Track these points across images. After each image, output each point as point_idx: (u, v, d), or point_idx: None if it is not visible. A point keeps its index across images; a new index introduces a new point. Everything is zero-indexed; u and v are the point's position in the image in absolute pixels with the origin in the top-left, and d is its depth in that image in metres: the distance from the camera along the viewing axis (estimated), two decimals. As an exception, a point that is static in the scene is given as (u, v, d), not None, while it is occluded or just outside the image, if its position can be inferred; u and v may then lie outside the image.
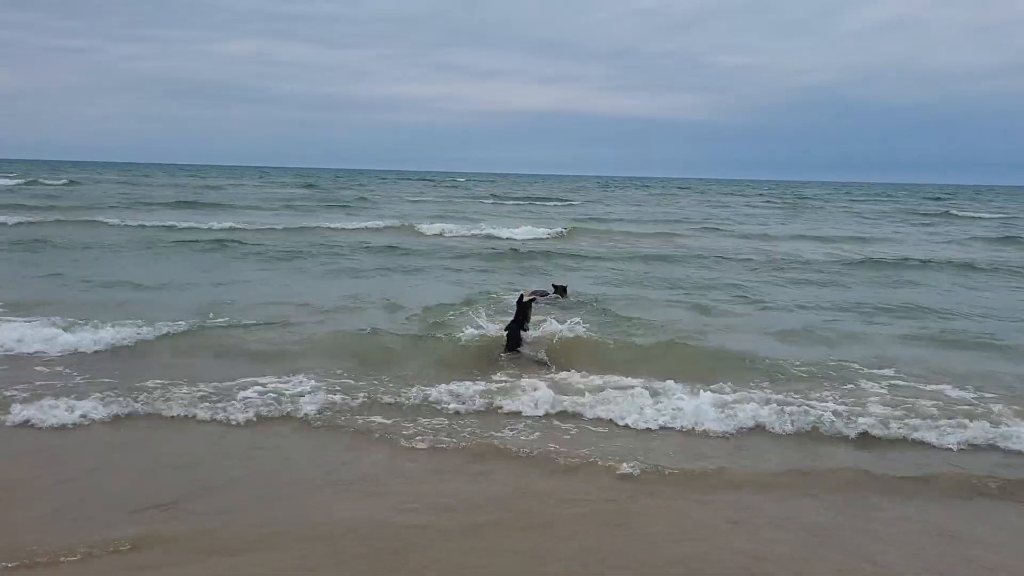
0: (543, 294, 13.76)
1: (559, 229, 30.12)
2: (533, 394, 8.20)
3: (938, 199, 77.48)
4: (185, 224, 27.12)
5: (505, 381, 8.87)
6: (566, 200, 57.70)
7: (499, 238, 27.31)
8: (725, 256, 22.77)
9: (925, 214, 51.60)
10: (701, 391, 8.33)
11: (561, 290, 14.35)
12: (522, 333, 10.24)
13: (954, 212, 53.76)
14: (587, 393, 8.34)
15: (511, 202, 53.98)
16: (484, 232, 28.57)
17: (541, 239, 27.43)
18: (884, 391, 8.83)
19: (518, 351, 10.09)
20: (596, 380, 8.94)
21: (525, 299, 10.58)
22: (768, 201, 63.96)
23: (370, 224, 29.87)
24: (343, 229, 28.18)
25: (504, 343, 10.15)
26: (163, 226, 26.45)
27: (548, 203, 53.50)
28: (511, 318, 10.43)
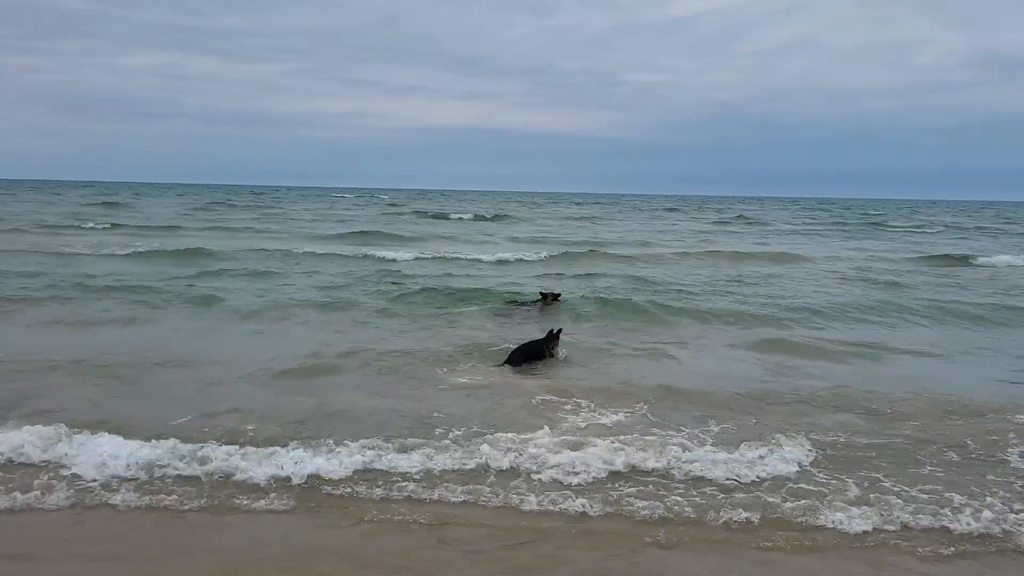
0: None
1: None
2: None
3: (866, 213, 79.59)
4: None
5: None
6: (508, 217, 55.82)
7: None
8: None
9: (866, 225, 54.24)
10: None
11: (553, 297, 14.66)
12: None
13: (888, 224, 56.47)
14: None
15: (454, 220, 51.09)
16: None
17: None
18: None
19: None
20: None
21: (555, 331, 10.64)
22: (724, 218, 63.76)
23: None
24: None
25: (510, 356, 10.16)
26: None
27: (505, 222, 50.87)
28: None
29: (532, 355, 10.16)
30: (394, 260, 23.45)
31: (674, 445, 6.86)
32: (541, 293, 14.74)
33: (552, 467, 6.40)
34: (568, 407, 8.14)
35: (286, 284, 17.34)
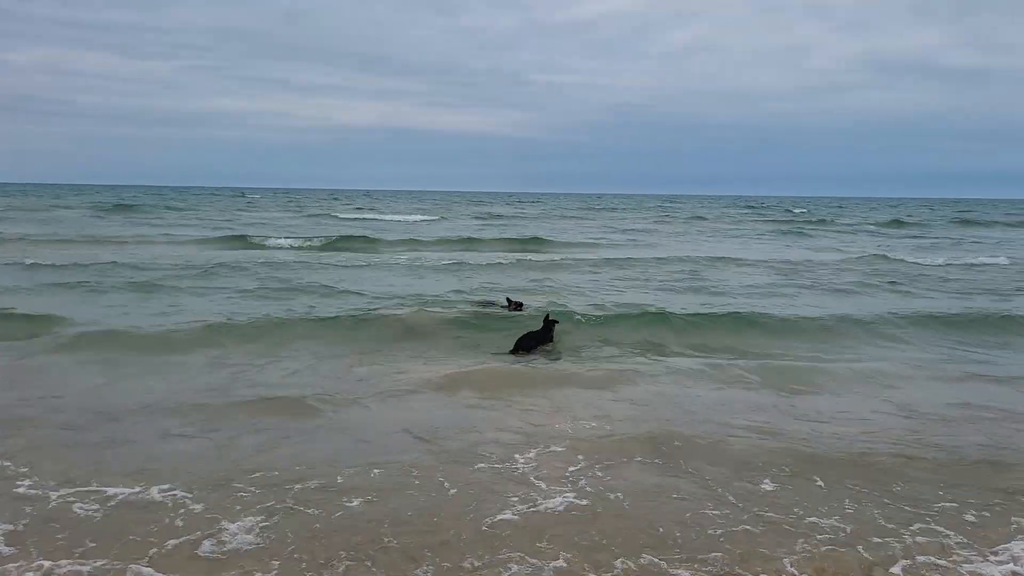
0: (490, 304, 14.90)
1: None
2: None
3: (788, 210, 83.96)
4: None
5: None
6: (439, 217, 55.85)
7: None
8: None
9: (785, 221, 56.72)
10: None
11: (516, 305, 14.51)
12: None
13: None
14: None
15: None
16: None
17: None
18: None
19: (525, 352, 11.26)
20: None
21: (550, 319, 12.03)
22: (666, 215, 67.32)
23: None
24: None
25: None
26: None
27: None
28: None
29: (539, 341, 11.53)
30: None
31: None
32: (508, 299, 14.86)
33: None
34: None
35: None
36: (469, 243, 32.76)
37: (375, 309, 14.18)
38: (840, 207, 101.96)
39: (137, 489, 5.91)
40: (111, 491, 5.86)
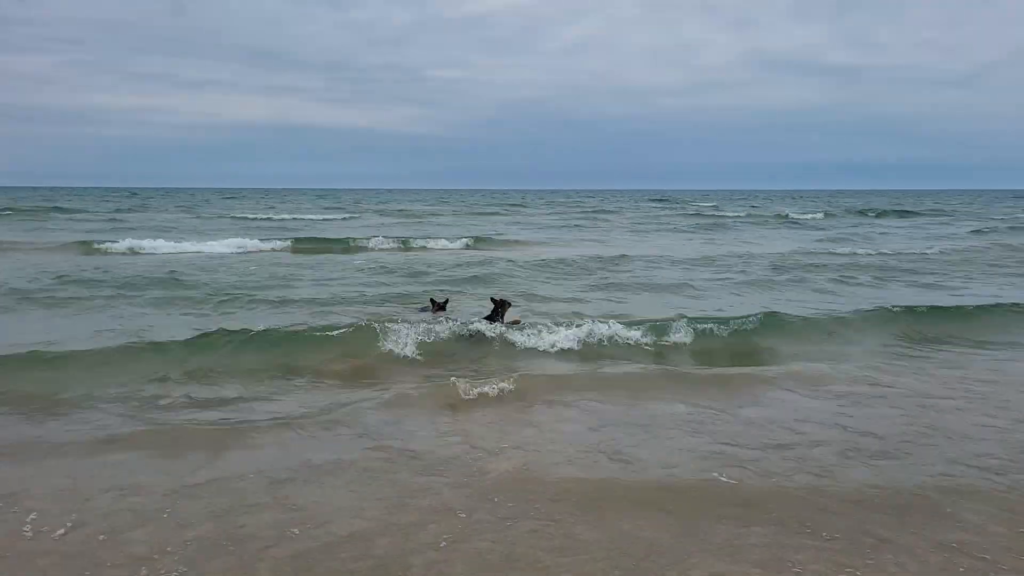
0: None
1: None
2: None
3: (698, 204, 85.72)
4: None
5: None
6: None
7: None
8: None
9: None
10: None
11: (439, 305, 13.44)
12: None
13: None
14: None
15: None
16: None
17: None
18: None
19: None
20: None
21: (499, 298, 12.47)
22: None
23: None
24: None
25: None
26: None
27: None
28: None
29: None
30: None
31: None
32: (432, 300, 13.72)
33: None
34: None
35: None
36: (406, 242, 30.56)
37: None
38: (745, 199, 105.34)
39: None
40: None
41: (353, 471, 6.31)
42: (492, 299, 12.70)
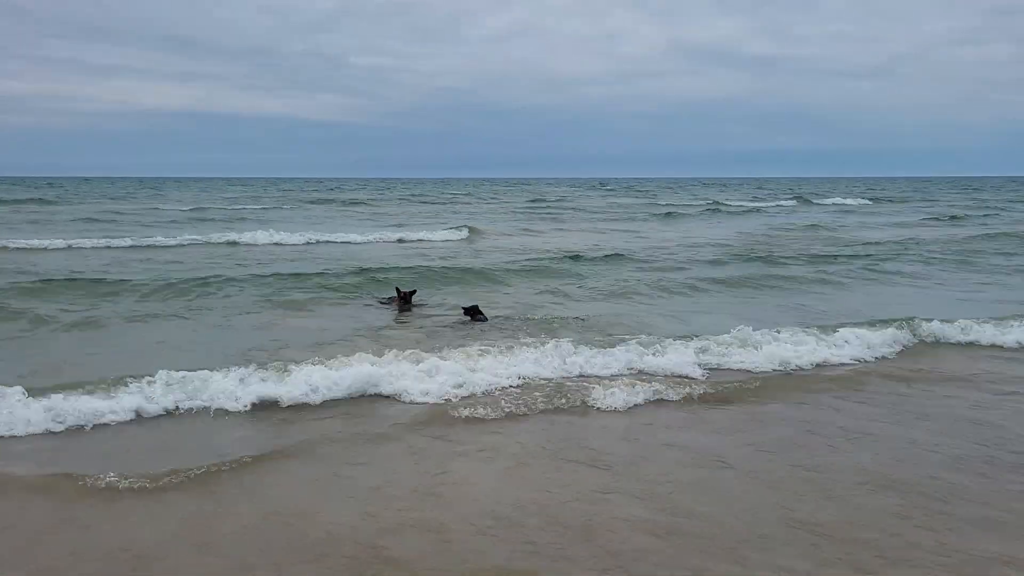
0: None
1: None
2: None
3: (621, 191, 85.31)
4: None
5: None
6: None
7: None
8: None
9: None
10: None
11: (405, 297, 13.05)
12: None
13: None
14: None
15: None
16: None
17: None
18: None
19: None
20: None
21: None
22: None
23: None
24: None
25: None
26: None
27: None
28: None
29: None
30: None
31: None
32: (397, 289, 13.19)
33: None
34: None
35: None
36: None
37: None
38: (671, 188, 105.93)
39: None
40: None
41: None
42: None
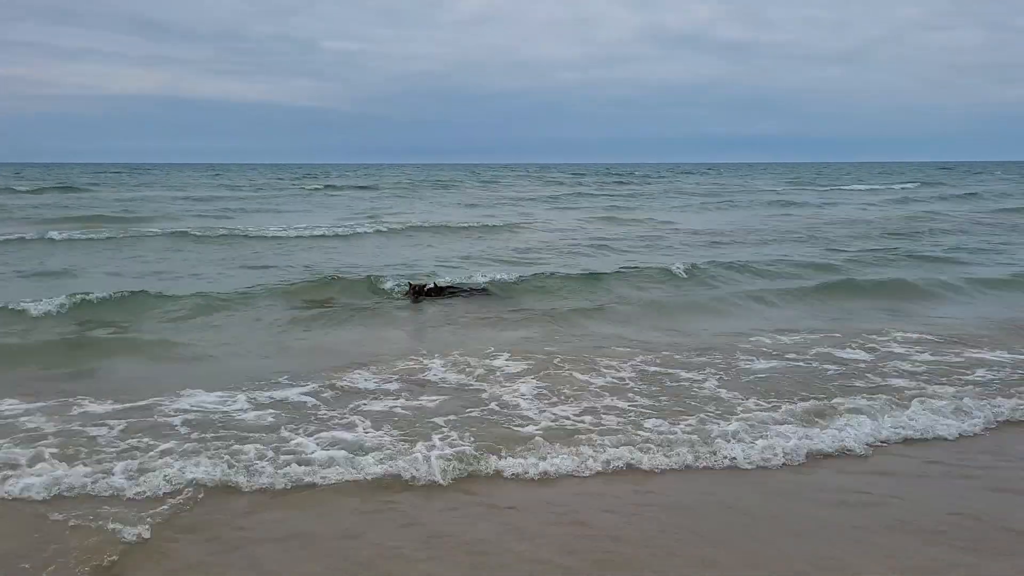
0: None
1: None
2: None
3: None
4: None
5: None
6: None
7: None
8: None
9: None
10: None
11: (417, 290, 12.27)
12: None
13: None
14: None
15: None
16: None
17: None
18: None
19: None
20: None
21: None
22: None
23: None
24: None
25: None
26: None
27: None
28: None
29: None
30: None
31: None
32: (410, 284, 12.24)
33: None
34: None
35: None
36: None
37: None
38: (664, 173, 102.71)
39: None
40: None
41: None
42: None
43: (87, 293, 10.99)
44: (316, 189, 48.43)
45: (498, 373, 7.87)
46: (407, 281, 12.53)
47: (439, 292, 12.04)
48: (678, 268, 14.21)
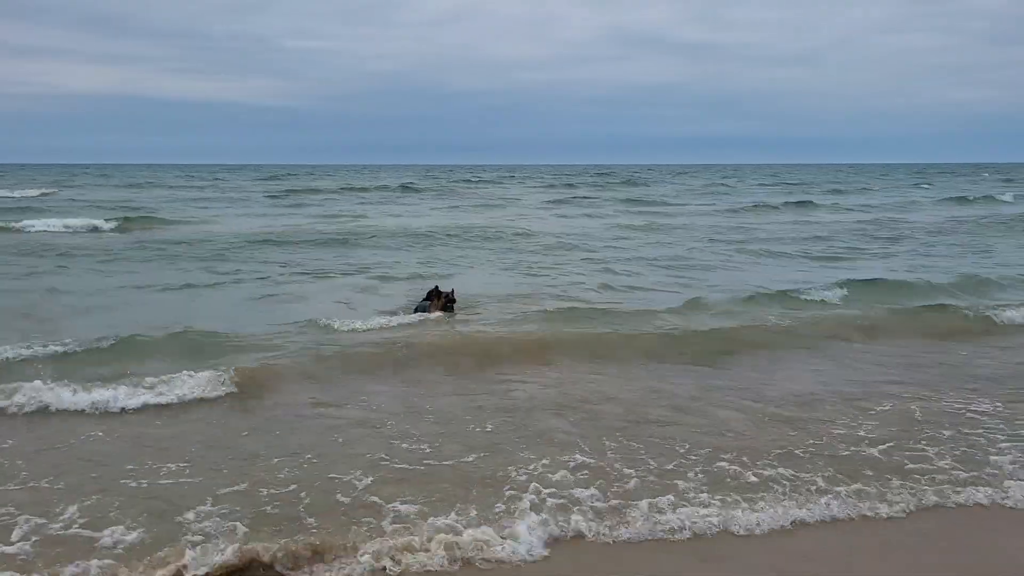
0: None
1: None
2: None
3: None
4: None
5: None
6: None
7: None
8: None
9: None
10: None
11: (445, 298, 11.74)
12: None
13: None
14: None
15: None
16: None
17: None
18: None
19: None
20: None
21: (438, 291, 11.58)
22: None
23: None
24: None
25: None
26: None
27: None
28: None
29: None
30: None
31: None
32: (437, 291, 11.63)
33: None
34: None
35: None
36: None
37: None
38: (646, 173, 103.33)
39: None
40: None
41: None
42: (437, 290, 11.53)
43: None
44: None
45: None
46: None
47: None
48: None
